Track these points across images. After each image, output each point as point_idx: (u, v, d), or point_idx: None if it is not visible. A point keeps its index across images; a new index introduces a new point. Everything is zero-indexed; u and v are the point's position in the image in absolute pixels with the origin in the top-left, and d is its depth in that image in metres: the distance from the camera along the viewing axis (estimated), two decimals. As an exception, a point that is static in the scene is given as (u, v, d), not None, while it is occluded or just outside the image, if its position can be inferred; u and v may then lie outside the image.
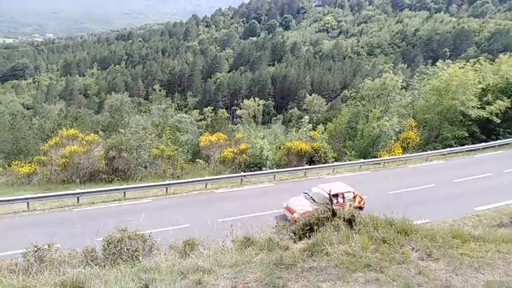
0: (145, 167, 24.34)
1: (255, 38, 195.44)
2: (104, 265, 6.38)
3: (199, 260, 5.87)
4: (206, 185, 20.50)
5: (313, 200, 14.94)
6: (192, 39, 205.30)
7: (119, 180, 22.45)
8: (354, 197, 15.69)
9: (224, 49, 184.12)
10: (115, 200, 18.29)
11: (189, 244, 6.96)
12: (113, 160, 23.20)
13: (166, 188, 19.63)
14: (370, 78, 36.77)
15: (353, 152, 29.68)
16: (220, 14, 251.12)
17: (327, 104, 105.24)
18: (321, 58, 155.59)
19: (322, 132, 37.80)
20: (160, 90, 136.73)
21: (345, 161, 27.00)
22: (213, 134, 29.34)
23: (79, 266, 6.28)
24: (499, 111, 31.21)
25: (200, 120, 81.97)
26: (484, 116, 31.28)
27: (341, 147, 31.94)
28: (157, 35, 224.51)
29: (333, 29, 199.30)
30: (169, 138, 28.97)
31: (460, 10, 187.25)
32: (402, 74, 35.86)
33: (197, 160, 27.17)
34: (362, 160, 25.92)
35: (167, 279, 5.00)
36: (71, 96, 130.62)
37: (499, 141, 30.68)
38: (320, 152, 27.93)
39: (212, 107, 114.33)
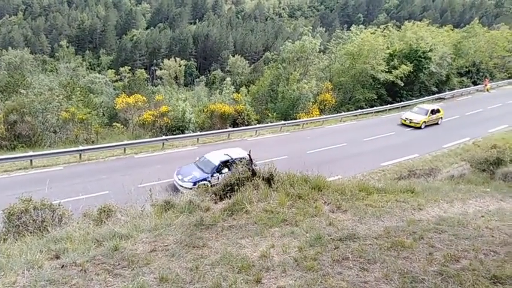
0: (55, 132, 22.21)
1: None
2: (6, 239, 5.80)
3: (116, 226, 5.63)
4: (125, 149, 19.49)
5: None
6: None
7: (23, 147, 20.20)
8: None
9: (140, 3, 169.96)
10: (20, 169, 16.54)
11: (104, 211, 6.62)
12: (14, 125, 20.67)
13: (80, 154, 18.24)
14: (290, 40, 37.34)
15: (275, 114, 30.52)
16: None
17: (249, 66, 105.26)
18: (243, 18, 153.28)
19: (245, 95, 37.98)
20: (68, 47, 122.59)
21: (267, 123, 27.70)
22: (130, 96, 27.60)
23: (-26, 242, 5.62)
24: (403, 75, 34.32)
25: (116, 81, 76.28)
26: (391, 79, 34.16)
27: (263, 109, 32.57)
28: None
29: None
30: (81, 100, 26.57)
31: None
32: (320, 38, 37.00)
33: (114, 124, 25.51)
34: (283, 122, 26.84)
35: (80, 248, 4.72)
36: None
37: (402, 103, 34.02)
38: (243, 114, 28.19)
39: (129, 67, 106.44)
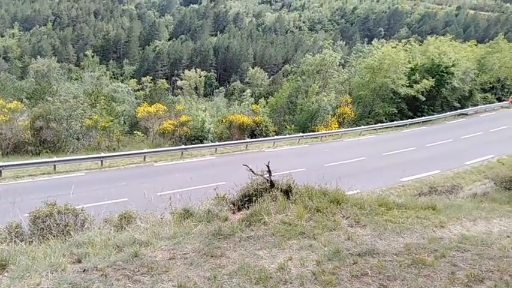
0: (78, 139, 22.83)
1: (196, 6, 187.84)
2: (31, 241, 5.97)
3: (136, 233, 5.73)
4: (145, 157, 19.86)
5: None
6: (128, 2, 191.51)
7: (47, 152, 20.84)
8: None
9: (163, 15, 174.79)
10: (44, 174, 17.04)
11: (125, 217, 6.74)
12: (40, 131, 21.38)
13: (102, 161, 18.68)
14: (310, 53, 37.60)
15: (293, 126, 30.54)
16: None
17: (269, 78, 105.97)
18: (263, 31, 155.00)
19: (264, 106, 38.23)
20: (93, 57, 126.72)
21: (285, 134, 27.73)
22: (151, 105, 28.19)
23: (2, 243, 5.81)
24: (424, 90, 33.85)
25: (138, 90, 78.10)
26: (412, 94, 33.76)
27: (281, 121, 32.67)
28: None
29: (276, 2, 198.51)
30: (104, 108, 27.29)
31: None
32: (341, 51, 37.30)
33: (135, 132, 26.06)
34: (301, 134, 26.81)
35: (101, 253, 4.82)
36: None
37: (423, 117, 33.49)
38: (261, 125, 28.34)
39: (151, 77, 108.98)
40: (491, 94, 41.77)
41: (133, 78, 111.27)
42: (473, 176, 20.38)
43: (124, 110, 34.12)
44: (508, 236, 6.08)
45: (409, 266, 4.60)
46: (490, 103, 39.34)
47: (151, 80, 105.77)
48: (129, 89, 60.68)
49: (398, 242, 5.48)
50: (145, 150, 20.21)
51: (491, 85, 42.01)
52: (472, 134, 28.03)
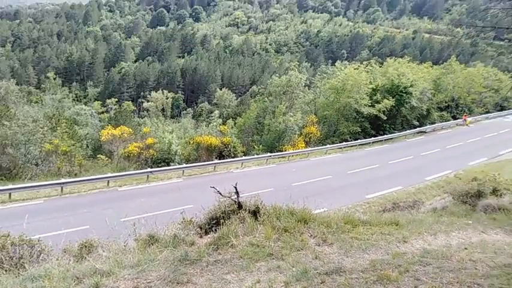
0: (37, 164, 21.78)
1: (163, 28, 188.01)
2: (-21, 278, 5.53)
3: (97, 262, 5.47)
4: (108, 182, 19.18)
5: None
6: (93, 24, 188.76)
7: (2, 179, 19.68)
8: None
9: (130, 37, 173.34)
10: (-3, 203, 16.01)
11: (85, 246, 6.44)
12: (-6, 157, 20.24)
13: (62, 187, 17.84)
14: (277, 75, 38.47)
15: (261, 146, 30.77)
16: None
17: (236, 99, 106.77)
18: (231, 53, 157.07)
19: (232, 127, 38.36)
20: (55, 79, 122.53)
21: (253, 154, 27.84)
22: (116, 128, 27.53)
23: None
24: (385, 109, 35.34)
25: (102, 112, 76.07)
26: (374, 113, 35.11)
27: (249, 141, 32.84)
28: (51, 16, 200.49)
29: (243, 25, 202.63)
30: (65, 131, 26.34)
31: (356, 15, 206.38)
32: (306, 72, 38.47)
33: (98, 156, 25.23)
34: (269, 154, 27.01)
35: (59, 286, 4.55)
36: None
37: (385, 136, 34.81)
38: (229, 146, 28.32)
39: (116, 99, 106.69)
40: (447, 112, 44.27)
41: (98, 100, 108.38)
42: (433, 191, 21.25)
43: (87, 134, 33.09)
44: (466, 248, 6.35)
45: (375, 282, 4.67)
46: (446, 121, 41.62)
47: (117, 102, 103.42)
48: (93, 111, 59.01)
49: (364, 259, 5.56)
50: (109, 175, 19.55)
51: (446, 104, 44.60)
52: (431, 150, 29.40)
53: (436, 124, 39.83)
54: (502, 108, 49.45)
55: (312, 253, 5.69)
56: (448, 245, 6.58)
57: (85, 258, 6.00)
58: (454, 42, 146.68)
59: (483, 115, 45.61)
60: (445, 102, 44.43)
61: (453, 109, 45.05)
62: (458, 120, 42.03)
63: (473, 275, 4.98)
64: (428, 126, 38.84)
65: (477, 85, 46.40)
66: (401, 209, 12.64)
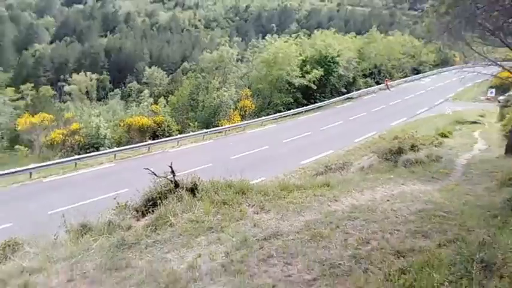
0: None
1: (81, 6, 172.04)
2: None
3: (24, 261, 5.11)
4: (31, 174, 17.63)
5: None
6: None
7: None
8: None
9: (42, 17, 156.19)
10: None
11: (9, 246, 5.94)
12: None
13: (-24, 185, 16.06)
14: (208, 50, 37.67)
15: (196, 123, 30.28)
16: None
17: (168, 77, 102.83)
18: (158, 30, 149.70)
19: (165, 106, 37.12)
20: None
21: (189, 132, 27.36)
22: (35, 115, 25.18)
23: None
24: (315, 79, 36.66)
25: (17, 99, 68.68)
26: (305, 83, 36.26)
27: (184, 119, 32.14)
28: None
29: (169, 0, 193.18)
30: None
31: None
32: (237, 47, 38.12)
33: (16, 147, 22.98)
34: (205, 130, 26.75)
35: (-20, 294, 4.20)
36: None
37: (316, 104, 36.26)
38: (163, 125, 27.50)
39: (32, 84, 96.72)
40: (371, 79, 47.24)
41: (10, 86, 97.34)
42: (361, 152, 22.78)
43: (0, 123, 29.85)
44: (388, 200, 7.00)
45: (309, 241, 4.98)
46: (370, 86, 44.50)
47: (33, 87, 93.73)
48: (5, 98, 53.05)
49: (299, 221, 5.87)
50: (31, 166, 17.95)
51: (370, 71, 47.56)
52: (358, 115, 31.33)
53: (362, 90, 42.38)
54: (418, 72, 54.08)
55: (251, 221, 5.87)
56: (373, 199, 7.19)
57: (10, 258, 5.59)
58: (374, 13, 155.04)
59: (402, 79, 49.46)
60: (369, 69, 47.30)
61: (376, 75, 48.18)
62: (381, 85, 45.15)
63: (394, 223, 5.54)
64: (354, 92, 41.18)
65: (396, 52, 50.06)
66: (333, 171, 13.43)
